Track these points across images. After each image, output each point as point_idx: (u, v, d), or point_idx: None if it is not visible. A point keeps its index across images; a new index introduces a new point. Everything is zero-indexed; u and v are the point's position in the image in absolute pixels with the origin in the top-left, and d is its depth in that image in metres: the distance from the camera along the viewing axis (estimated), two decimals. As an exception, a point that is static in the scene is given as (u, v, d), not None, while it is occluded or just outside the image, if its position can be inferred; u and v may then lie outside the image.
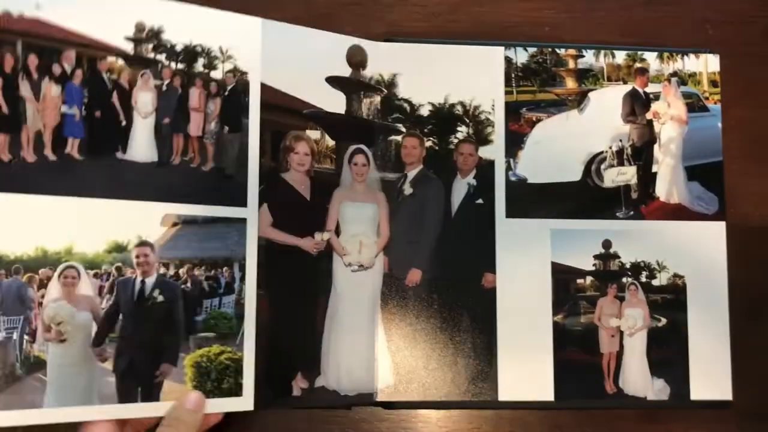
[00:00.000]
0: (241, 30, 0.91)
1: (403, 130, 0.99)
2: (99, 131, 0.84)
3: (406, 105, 0.99)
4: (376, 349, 0.94)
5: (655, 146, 1.03)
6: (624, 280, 0.99)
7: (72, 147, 0.82)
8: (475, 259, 0.97)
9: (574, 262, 0.99)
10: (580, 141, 1.02)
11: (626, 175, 1.01)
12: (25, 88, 0.80)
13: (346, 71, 0.98)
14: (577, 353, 0.97)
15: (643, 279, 1.00)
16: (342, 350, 0.93)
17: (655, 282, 0.99)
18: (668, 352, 0.98)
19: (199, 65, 0.89)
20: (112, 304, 0.81)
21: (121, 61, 0.85)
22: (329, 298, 0.95)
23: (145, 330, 0.83)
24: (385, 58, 0.98)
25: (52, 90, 0.82)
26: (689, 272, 1.00)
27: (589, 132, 1.02)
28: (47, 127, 0.81)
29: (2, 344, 0.75)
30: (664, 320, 0.99)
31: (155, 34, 0.86)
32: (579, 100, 1.03)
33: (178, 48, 0.88)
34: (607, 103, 1.03)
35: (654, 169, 1.02)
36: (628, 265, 0.99)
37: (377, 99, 0.99)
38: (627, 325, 0.98)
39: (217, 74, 0.90)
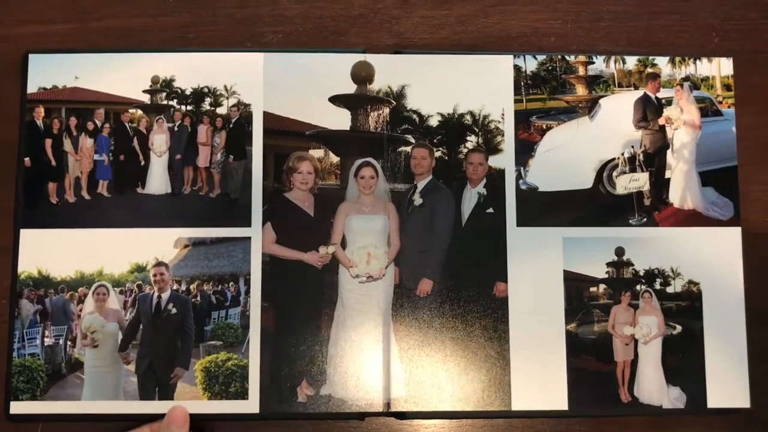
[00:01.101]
0: (244, 66, 0.99)
1: (413, 141, 1.00)
2: (123, 172, 1.00)
3: (414, 116, 1.00)
4: (388, 359, 0.95)
5: (668, 152, 1.01)
6: (638, 287, 0.99)
7: (102, 187, 0.99)
8: (486, 269, 0.98)
9: (587, 270, 0.99)
10: (592, 148, 1.01)
11: (639, 181, 1.00)
12: (67, 144, 0.99)
13: (351, 88, 0.99)
14: (591, 362, 0.97)
15: (657, 286, 0.99)
16: (351, 360, 0.95)
17: (669, 289, 0.99)
18: (684, 359, 0.97)
19: (206, 104, 1.00)
20: (134, 315, 0.95)
21: (140, 111, 1.00)
22: (335, 309, 0.97)
23: (161, 338, 0.95)
24: (393, 70, 1.00)
25: (87, 142, 1.00)
26: (704, 279, 0.98)
27: (601, 138, 1.02)
28: (83, 173, 0.99)
29: (52, 348, 0.93)
30: (679, 328, 0.98)
31: (168, 84, 1.00)
32: (590, 106, 1.02)
33: (188, 92, 1.00)
34: (618, 109, 1.02)
35: (667, 174, 1.01)
36: (641, 273, 0.99)
37: (386, 111, 1.00)
38: (641, 333, 0.97)
39: (222, 110, 1.00)
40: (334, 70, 1.00)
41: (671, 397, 0.96)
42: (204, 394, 0.94)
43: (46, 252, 0.95)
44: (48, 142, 0.98)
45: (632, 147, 1.01)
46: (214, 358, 0.95)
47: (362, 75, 1.00)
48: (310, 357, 0.95)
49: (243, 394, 0.94)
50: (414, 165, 1.00)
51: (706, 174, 1.01)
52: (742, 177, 1.01)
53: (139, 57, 0.99)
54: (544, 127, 1.01)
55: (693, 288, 0.98)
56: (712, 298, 0.98)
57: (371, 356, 0.96)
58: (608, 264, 0.99)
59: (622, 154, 1.01)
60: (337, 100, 1.00)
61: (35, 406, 0.92)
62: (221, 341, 0.95)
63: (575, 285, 0.98)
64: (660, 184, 1.01)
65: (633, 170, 1.01)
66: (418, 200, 1.00)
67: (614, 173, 1.01)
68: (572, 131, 1.02)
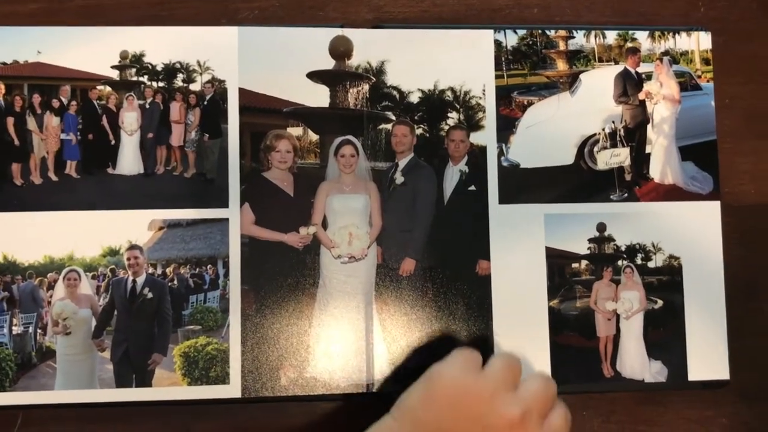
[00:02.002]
0: (218, 41, 0.96)
1: (393, 118, 0.98)
2: (92, 152, 0.95)
3: (395, 92, 0.98)
4: (371, 339, 0.94)
5: (648, 127, 1.01)
6: (619, 263, 0.99)
7: (70, 168, 0.94)
8: (468, 247, 0.97)
9: (569, 247, 0.98)
10: (573, 123, 1.01)
11: (620, 156, 1.00)
12: (31, 123, 0.94)
13: (329, 63, 0.97)
14: (574, 338, 0.97)
15: (639, 261, 0.99)
16: (333, 341, 0.94)
17: (650, 264, 0.99)
18: (665, 333, 0.98)
19: (179, 80, 0.96)
20: (108, 301, 0.92)
21: (108, 88, 0.96)
22: (317, 290, 0.95)
23: (137, 323, 0.92)
24: (372, 46, 0.98)
25: (52, 121, 0.95)
26: (685, 253, 0.99)
27: (582, 114, 1.01)
28: (50, 153, 0.94)
29: (21, 336, 0.89)
30: (660, 302, 0.99)
31: (137, 59, 0.95)
32: (570, 82, 1.01)
33: (159, 68, 0.96)
34: (598, 84, 1.01)
35: (647, 149, 1.01)
36: (623, 248, 0.99)
37: (365, 87, 0.98)
38: (623, 308, 0.98)
39: (196, 86, 0.96)
40: (311, 45, 0.97)
41: (653, 371, 0.97)
42: (183, 380, 0.91)
43: (12, 236, 0.91)
44: (10, 120, 0.94)
45: (613, 122, 1.01)
46: (193, 343, 0.92)
47: (340, 50, 0.98)
48: (292, 339, 0.93)
49: (224, 379, 0.92)
50: (395, 143, 0.98)
51: (686, 149, 1.01)
52: (725, 149, 1.01)
53: (106, 31, 0.95)
54: (526, 102, 1.00)
55: (674, 262, 0.99)
56: (692, 272, 0.99)
57: (354, 337, 0.94)
58: (590, 240, 0.99)
59: (603, 129, 1.01)
60: (314, 76, 0.97)
61: (5, 398, 0.89)
62: (200, 325, 0.93)
63: (557, 261, 0.98)
64: (640, 159, 1.01)
65: (614, 145, 1.00)
66: (399, 179, 0.98)
67: (595, 149, 1.00)
68: (553, 107, 1.01)
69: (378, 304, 0.95)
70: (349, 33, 0.98)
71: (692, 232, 0.99)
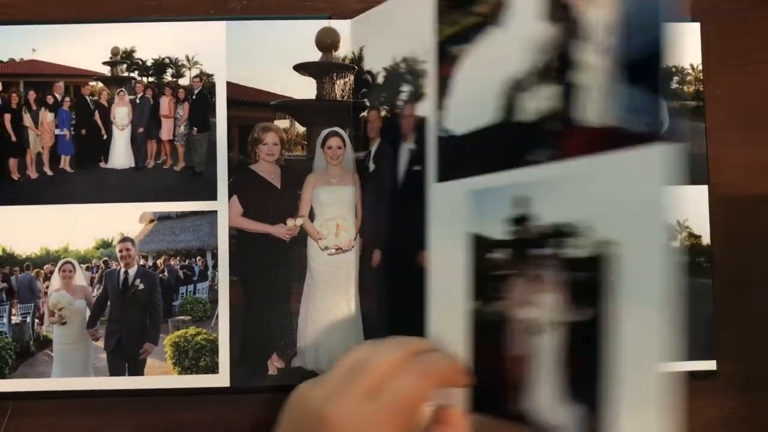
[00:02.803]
0: (206, 35, 0.97)
1: (368, 104, 0.96)
2: (85, 146, 0.98)
3: (368, 77, 0.96)
4: (358, 330, 0.95)
5: (585, 48, 0.61)
6: (539, 251, 0.62)
7: (64, 163, 0.97)
8: (413, 235, 0.79)
9: (487, 231, 0.68)
10: (500, 67, 0.68)
11: (550, 99, 0.64)
12: (27, 119, 0.97)
13: (316, 55, 0.97)
14: (492, 353, 0.66)
15: (563, 248, 0.60)
16: (321, 332, 0.95)
17: (576, 252, 0.59)
18: (588, 360, 0.57)
19: (168, 75, 0.98)
20: (101, 292, 0.95)
21: (100, 84, 0.98)
22: (304, 282, 0.96)
23: (129, 314, 0.96)
24: (355, 35, 0.97)
25: (47, 117, 0.97)
26: (625, 235, 0.55)
27: (511, 53, 0.67)
28: (45, 148, 0.97)
29: (20, 326, 0.93)
30: (587, 310, 0.58)
31: (128, 55, 0.97)
32: (498, 12, 0.70)
33: (149, 63, 0.98)
34: (529, 5, 0.67)
35: (585, 80, 0.61)
36: (548, 229, 0.61)
37: (351, 78, 0.98)
38: (538, 315, 0.61)
39: (184, 81, 0.98)
40: (298, 38, 0.97)
41: (565, 416, 0.59)
42: (174, 369, 0.94)
43: (10, 229, 0.95)
44: (7, 117, 0.96)
45: (545, 53, 0.65)
46: (183, 333, 0.95)
47: (327, 42, 0.98)
48: (280, 330, 0.95)
49: (213, 368, 0.94)
50: (369, 129, 0.96)
51: (631, 68, 0.56)
52: (711, 141, 0.99)
53: (98, 28, 0.97)
54: (460, 54, 0.75)
55: (607, 249, 0.56)
56: (631, 265, 0.54)
57: (341, 328, 0.96)
58: (507, 221, 0.66)
59: (535, 65, 0.66)
60: (301, 68, 0.97)
61: (5, 385, 0.93)
62: (190, 316, 0.95)
63: (478, 251, 0.69)
64: (572, 96, 0.62)
65: (544, 84, 0.64)
66: (371, 166, 0.96)
67: (523, 93, 0.67)
68: (485, 51, 0.72)
69: (361, 296, 0.96)
70: (336, 24, 0.98)
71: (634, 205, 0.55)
